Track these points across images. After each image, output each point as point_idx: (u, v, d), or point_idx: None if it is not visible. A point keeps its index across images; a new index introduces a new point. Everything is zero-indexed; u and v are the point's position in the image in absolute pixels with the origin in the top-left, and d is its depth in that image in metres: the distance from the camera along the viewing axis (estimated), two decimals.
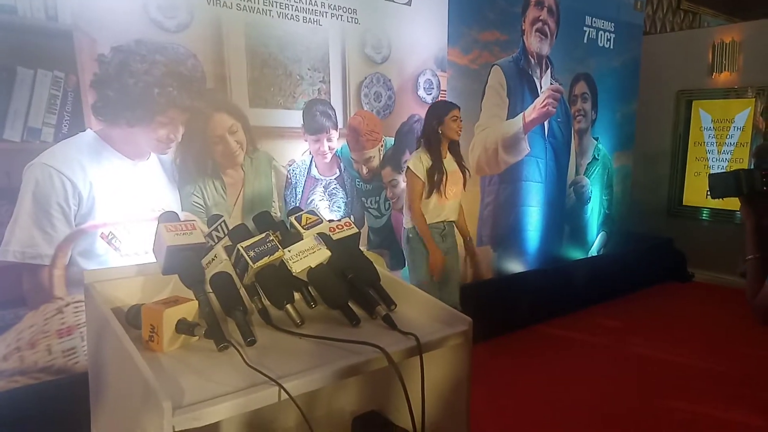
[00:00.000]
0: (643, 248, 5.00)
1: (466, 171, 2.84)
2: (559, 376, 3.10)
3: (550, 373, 3.13)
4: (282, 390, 0.68)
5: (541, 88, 3.92)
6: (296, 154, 2.79)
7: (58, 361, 2.09)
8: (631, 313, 4.23)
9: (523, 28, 3.75)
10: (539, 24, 3.83)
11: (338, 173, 2.98)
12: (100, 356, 0.87)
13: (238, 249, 0.90)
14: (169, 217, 0.97)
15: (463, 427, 0.92)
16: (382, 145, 3.11)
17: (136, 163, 2.24)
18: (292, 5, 2.62)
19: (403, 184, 3.21)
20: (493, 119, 3.64)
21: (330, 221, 1.05)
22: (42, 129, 2.01)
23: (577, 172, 4.39)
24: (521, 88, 3.80)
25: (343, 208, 3.01)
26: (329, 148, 2.90)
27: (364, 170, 3.07)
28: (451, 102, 2.80)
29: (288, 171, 2.76)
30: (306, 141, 2.80)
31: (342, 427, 1.10)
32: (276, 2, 2.57)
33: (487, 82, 3.59)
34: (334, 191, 2.99)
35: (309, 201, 2.87)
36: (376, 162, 3.09)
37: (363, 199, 3.09)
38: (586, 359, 3.34)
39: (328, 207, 2.96)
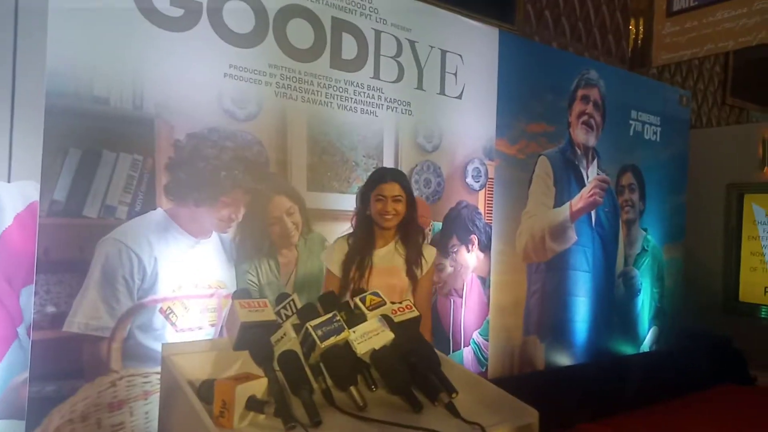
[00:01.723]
0: (699, 346, 4.76)
1: (417, 270, 2.11)
2: None
3: None
4: None
5: (587, 178, 3.96)
6: None
7: None
8: (689, 417, 3.96)
9: (570, 120, 3.86)
10: (585, 117, 3.92)
11: None
12: (171, 428, 0.89)
13: (307, 328, 0.94)
14: (242, 293, 1.02)
15: None
16: (430, 230, 3.17)
17: (199, 241, 2.35)
18: (352, 98, 2.80)
19: (449, 269, 3.23)
20: (540, 207, 3.67)
21: (392, 303, 1.09)
22: (117, 207, 2.16)
23: (625, 263, 4.31)
24: (567, 178, 3.85)
25: None
26: None
27: None
28: (389, 170, 2.24)
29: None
30: None
31: None
32: (337, 95, 2.75)
33: (534, 171, 3.65)
34: None
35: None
36: None
37: None
38: None
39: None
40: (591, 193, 3.95)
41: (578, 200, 3.88)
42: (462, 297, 3.28)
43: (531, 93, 3.58)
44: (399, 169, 2.29)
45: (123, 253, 2.15)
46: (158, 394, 2.18)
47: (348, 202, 2.83)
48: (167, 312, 2.23)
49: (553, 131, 3.75)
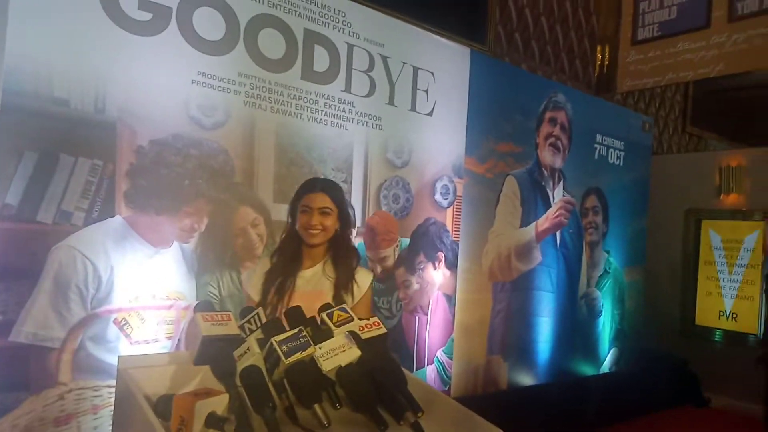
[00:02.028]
0: (657, 368, 4.86)
1: (347, 295, 1.82)
2: None
3: None
4: None
5: (553, 199, 4.02)
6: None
7: None
8: None
9: (537, 141, 3.92)
10: (552, 139, 4.00)
11: None
12: None
13: (272, 343, 0.90)
14: (204, 306, 0.98)
15: None
16: (397, 246, 3.15)
17: (159, 250, 2.27)
18: (322, 110, 2.77)
19: (416, 286, 3.21)
20: (506, 226, 3.70)
21: (360, 319, 1.06)
22: (74, 213, 2.07)
23: (588, 284, 4.37)
24: (534, 198, 3.90)
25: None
26: None
27: (379, 269, 3.08)
28: (321, 180, 2.00)
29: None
30: None
31: None
32: (307, 107, 2.72)
33: (501, 191, 3.69)
34: None
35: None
36: (390, 262, 3.11)
37: (375, 298, 3.08)
38: None
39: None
40: (557, 214, 4.01)
41: (544, 221, 3.93)
42: (427, 314, 3.26)
43: (500, 113, 3.63)
44: (334, 181, 2.00)
45: (77, 261, 2.06)
46: (109, 408, 2.09)
47: None
48: (122, 323, 2.14)
49: (521, 152, 3.81)
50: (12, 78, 1.93)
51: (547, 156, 3.98)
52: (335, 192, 1.91)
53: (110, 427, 2.09)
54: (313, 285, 1.84)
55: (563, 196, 4.10)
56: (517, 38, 4.48)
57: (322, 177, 2.03)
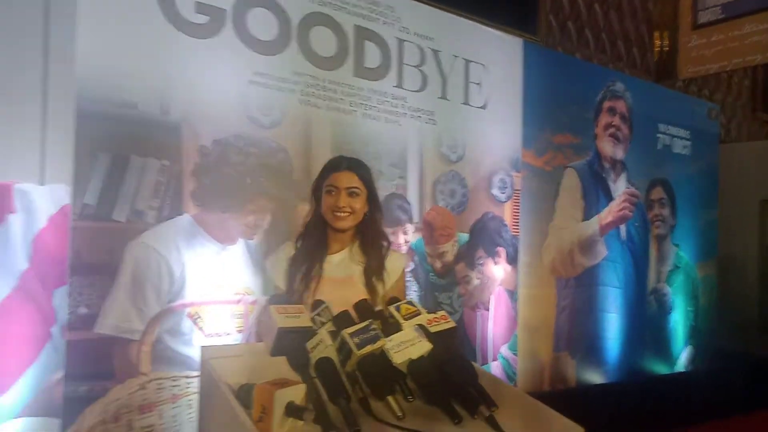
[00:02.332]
0: (736, 367, 4.58)
1: (379, 282, 1.72)
2: None
3: None
4: None
5: (615, 191, 3.89)
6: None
7: None
8: None
9: (596, 132, 3.81)
10: (612, 129, 3.88)
11: (413, 266, 2.99)
12: (211, 430, 0.87)
13: (343, 335, 0.90)
14: (278, 299, 1.00)
15: None
16: (455, 241, 3.13)
17: (225, 247, 2.35)
18: (375, 107, 2.80)
19: (476, 282, 3.17)
20: (568, 220, 3.61)
21: (427, 313, 1.05)
22: (146, 211, 2.17)
23: (657, 280, 4.19)
24: (596, 191, 3.79)
25: (416, 301, 2.99)
26: (405, 241, 2.94)
27: (438, 264, 3.07)
28: (347, 158, 1.81)
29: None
30: None
31: None
32: (361, 104, 2.75)
33: (561, 184, 3.60)
34: (407, 284, 2.98)
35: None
36: (449, 257, 3.10)
37: (436, 293, 3.06)
38: None
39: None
40: (620, 206, 3.88)
41: (607, 214, 3.81)
42: (489, 310, 3.21)
43: (556, 104, 3.55)
44: (361, 160, 1.82)
45: (152, 258, 2.16)
46: (186, 397, 2.17)
47: None
48: (195, 317, 2.23)
49: (579, 143, 3.71)
50: (84, 85, 2.04)
51: (607, 147, 3.86)
52: (363, 171, 1.76)
53: (187, 415, 2.18)
54: (341, 271, 1.72)
55: (626, 188, 3.97)
56: (570, 27, 4.38)
57: (347, 156, 1.82)
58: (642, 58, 4.85)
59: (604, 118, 3.86)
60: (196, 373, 2.22)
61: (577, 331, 3.61)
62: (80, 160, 2.03)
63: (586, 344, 3.67)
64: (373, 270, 1.72)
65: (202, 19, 2.29)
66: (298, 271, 1.69)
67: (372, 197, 1.77)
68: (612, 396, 3.63)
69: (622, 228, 3.92)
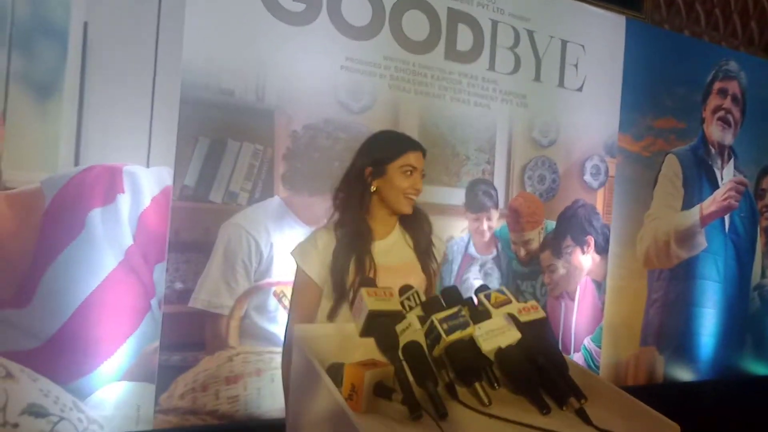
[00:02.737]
0: None
1: (432, 263, 1.59)
2: None
3: None
4: None
5: (722, 179, 3.61)
6: (455, 231, 2.82)
7: (223, 407, 2.23)
8: None
9: (704, 116, 3.53)
10: (722, 112, 3.58)
11: (495, 253, 2.94)
12: (303, 406, 0.90)
13: (433, 320, 0.91)
14: (367, 281, 1.02)
15: None
16: (542, 228, 3.04)
17: (311, 229, 2.41)
18: (465, 90, 2.74)
19: (562, 271, 3.08)
20: (665, 209, 3.40)
21: (518, 302, 1.03)
22: (239, 193, 2.27)
23: (763, 275, 3.88)
24: (699, 179, 3.53)
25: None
26: (488, 227, 2.89)
27: (522, 252, 3.00)
28: (407, 136, 1.62)
29: (446, 247, 2.79)
30: (466, 219, 2.83)
31: None
32: (450, 87, 2.70)
33: (660, 171, 3.38)
34: (489, 271, 2.94)
35: (464, 279, 2.85)
36: (535, 245, 3.01)
37: (518, 281, 3.00)
38: None
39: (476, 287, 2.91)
40: (725, 195, 3.60)
41: (710, 203, 3.55)
42: (574, 300, 3.12)
43: (660, 86, 3.32)
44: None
45: (243, 238, 2.26)
46: (270, 372, 2.28)
47: (457, 196, 2.79)
48: (280, 295, 2.32)
49: (683, 128, 3.46)
50: (188, 73, 2.15)
51: (715, 132, 3.58)
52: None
53: (270, 388, 2.30)
54: (395, 257, 1.54)
55: (734, 176, 3.67)
56: (679, 2, 4.03)
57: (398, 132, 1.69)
58: (761, 34, 4.39)
59: (714, 101, 3.57)
60: (279, 349, 2.33)
61: (667, 326, 3.43)
62: (182, 144, 2.14)
63: (677, 340, 3.48)
64: (424, 250, 1.59)
65: (299, 6, 2.33)
66: (347, 263, 1.47)
67: None
68: (703, 395, 3.45)
69: (726, 219, 3.65)
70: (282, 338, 2.30)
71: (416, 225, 1.59)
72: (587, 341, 3.16)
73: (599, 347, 3.19)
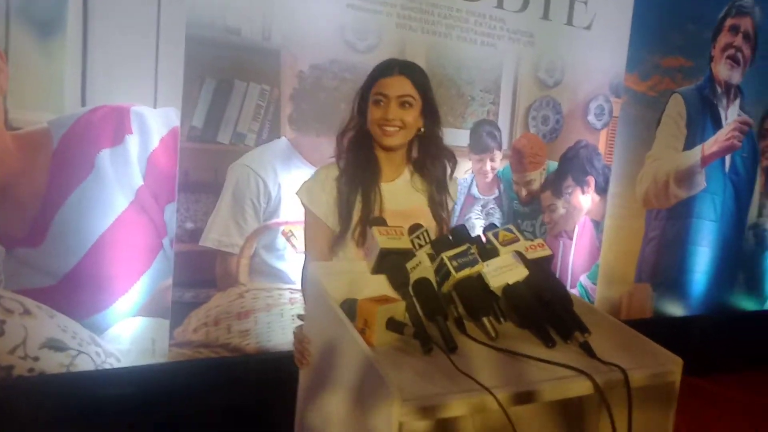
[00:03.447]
0: None
1: (443, 212, 1.48)
2: None
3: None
4: (495, 400, 0.72)
5: (726, 119, 3.59)
6: (459, 171, 2.83)
7: (235, 341, 2.34)
8: None
9: (713, 54, 3.47)
10: (732, 50, 3.52)
11: (497, 194, 2.98)
12: (315, 340, 0.96)
13: (442, 258, 0.96)
14: (378, 221, 1.06)
15: None
16: (544, 169, 3.06)
17: None
18: (472, 29, 2.69)
19: (562, 211, 3.13)
20: (667, 150, 3.41)
21: (525, 240, 1.08)
22: (247, 134, 2.28)
23: (759, 214, 3.94)
24: (703, 119, 3.52)
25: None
26: (491, 168, 2.92)
27: (524, 192, 3.04)
28: (400, 61, 1.46)
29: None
30: (470, 160, 2.85)
31: None
32: (457, 26, 2.65)
33: (664, 111, 3.37)
34: (491, 211, 2.99)
35: (466, 218, 2.91)
36: (536, 185, 3.05)
37: (519, 221, 3.06)
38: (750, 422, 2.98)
39: (484, 226, 2.97)
40: (728, 135, 3.60)
41: (713, 143, 3.55)
42: (572, 239, 3.18)
43: (670, 23, 3.25)
44: (416, 64, 1.49)
45: (251, 178, 2.29)
46: (279, 307, 2.37)
47: (462, 138, 2.80)
48: (289, 235, 2.38)
49: (691, 66, 3.41)
50: (193, 11, 2.11)
51: (723, 70, 3.53)
52: (419, 76, 1.43)
53: (279, 323, 2.40)
54: (403, 202, 1.44)
55: (738, 115, 3.65)
56: None
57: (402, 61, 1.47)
58: None
59: (724, 38, 3.50)
60: (288, 286, 2.41)
61: (662, 263, 3.52)
62: (188, 84, 2.13)
63: (671, 277, 3.58)
64: (437, 198, 1.46)
65: None
66: (352, 203, 1.39)
67: (429, 109, 1.44)
68: (693, 329, 3.58)
69: (728, 158, 3.66)
70: (291, 276, 2.39)
71: (435, 168, 1.46)
72: (583, 278, 3.25)
73: (595, 284, 3.29)
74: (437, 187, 1.47)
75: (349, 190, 1.40)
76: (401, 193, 1.45)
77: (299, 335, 1.10)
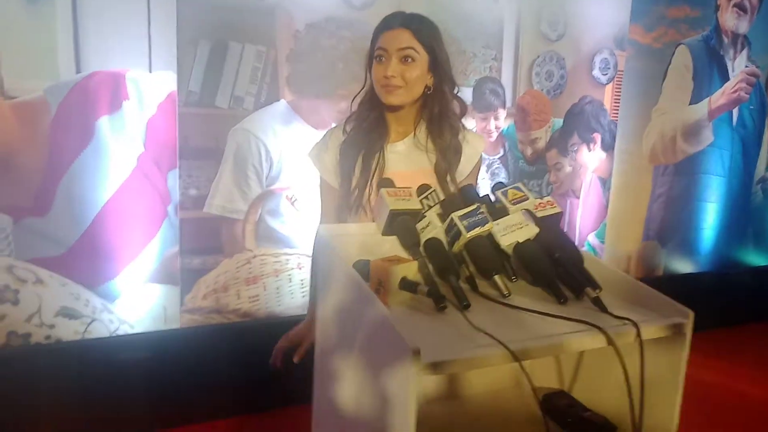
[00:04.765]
0: None
1: (449, 172, 1.39)
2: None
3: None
4: (511, 354, 0.71)
5: (733, 70, 3.52)
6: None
7: (244, 306, 2.35)
8: None
9: (719, 3, 3.37)
10: None
11: (502, 153, 2.94)
12: (330, 301, 0.95)
13: (452, 218, 0.94)
14: (386, 182, 1.04)
15: (672, 424, 0.88)
16: (549, 126, 3.02)
17: (319, 132, 2.40)
18: None
19: (568, 169, 3.10)
20: (673, 104, 3.35)
21: (535, 198, 1.06)
22: (245, 98, 2.24)
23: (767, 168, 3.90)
24: (710, 71, 3.44)
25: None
26: (495, 127, 2.87)
27: (529, 151, 3.00)
28: (401, 13, 1.38)
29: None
30: (473, 119, 2.80)
31: (530, 402, 1.10)
32: None
33: (670, 63, 3.29)
34: (496, 171, 2.96)
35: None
36: (541, 143, 3.01)
37: (525, 180, 3.03)
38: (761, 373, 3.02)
39: (490, 186, 2.94)
40: (735, 87, 3.53)
41: (719, 96, 3.49)
42: (579, 198, 3.16)
43: None
44: (423, 16, 1.40)
45: (252, 143, 2.26)
46: (286, 272, 2.37)
47: (465, 95, 2.73)
48: (292, 199, 2.36)
49: (697, 16, 3.32)
50: None
51: (729, 19, 3.43)
52: (424, 27, 1.35)
53: (288, 288, 2.40)
54: (408, 163, 1.38)
55: (746, 66, 3.57)
56: None
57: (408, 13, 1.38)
58: None
59: None
60: (294, 251, 2.41)
61: (670, 219, 3.50)
62: (183, 47, 2.08)
63: (679, 233, 3.56)
64: (446, 160, 1.38)
65: None
66: (353, 164, 1.36)
67: (437, 64, 1.35)
68: (703, 285, 3.58)
69: (735, 111, 3.60)
70: (295, 242, 2.39)
71: (442, 127, 1.38)
72: (591, 237, 3.24)
73: (603, 242, 3.28)
74: (441, 150, 1.38)
75: (351, 155, 1.36)
76: (406, 155, 1.39)
77: (293, 337, 1.20)
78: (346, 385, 0.89)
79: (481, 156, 1.48)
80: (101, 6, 1.95)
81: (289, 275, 2.38)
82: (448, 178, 1.38)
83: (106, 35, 1.98)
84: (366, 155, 1.35)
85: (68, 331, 2.05)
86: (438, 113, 1.38)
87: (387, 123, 1.39)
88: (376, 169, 1.35)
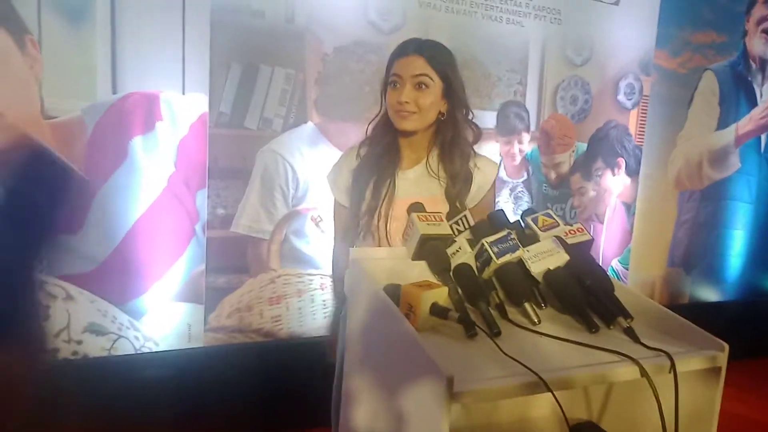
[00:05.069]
0: None
1: (460, 200, 1.39)
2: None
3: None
4: (544, 384, 0.71)
5: (761, 96, 3.49)
6: (486, 155, 2.81)
7: (267, 326, 2.36)
8: None
9: (746, 28, 3.36)
10: (766, 24, 3.40)
11: (526, 177, 2.94)
12: (359, 325, 0.96)
13: (483, 243, 0.95)
14: (417, 207, 1.06)
15: None
16: (573, 151, 3.01)
17: None
18: (497, 6, 2.64)
19: (592, 193, 3.08)
20: (699, 130, 3.33)
21: (565, 225, 1.06)
22: (273, 119, 2.28)
23: None
24: (736, 96, 3.42)
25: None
26: (519, 150, 2.88)
27: (553, 175, 2.99)
28: (416, 40, 1.41)
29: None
30: (497, 142, 2.81)
31: None
32: (482, 4, 2.61)
33: (696, 89, 3.28)
34: (519, 194, 2.96)
35: (495, 202, 2.88)
36: (565, 168, 3.00)
37: (548, 204, 3.02)
38: None
39: (513, 210, 2.94)
40: (763, 114, 3.49)
41: (747, 122, 3.45)
42: (603, 223, 3.14)
43: None
44: (439, 43, 1.42)
45: (279, 164, 2.30)
46: (310, 293, 2.38)
47: (489, 119, 2.76)
48: (317, 220, 2.38)
49: (723, 42, 3.31)
50: None
51: (757, 45, 3.42)
52: (438, 54, 1.36)
53: (310, 308, 2.41)
54: (419, 190, 1.37)
55: None
56: None
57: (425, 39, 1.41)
58: None
59: (759, 11, 3.38)
60: (318, 272, 2.42)
61: (696, 246, 3.45)
62: (215, 70, 2.14)
63: (705, 260, 3.51)
64: (456, 187, 1.38)
65: None
66: (365, 187, 1.37)
67: (451, 90, 1.36)
68: (730, 314, 3.51)
69: (763, 137, 3.56)
70: (319, 262, 2.40)
71: (453, 154, 1.38)
72: (615, 262, 3.21)
73: (627, 268, 3.24)
74: (451, 176, 1.38)
75: (363, 179, 1.38)
76: (418, 182, 1.40)
77: None
78: (373, 409, 0.89)
79: (494, 183, 1.47)
80: (138, 27, 2.01)
81: (312, 296, 2.40)
82: (458, 205, 1.37)
83: (142, 56, 2.04)
84: (377, 181, 1.37)
85: (95, 347, 2.08)
86: (450, 139, 1.39)
87: (400, 148, 1.41)
88: (385, 196, 1.36)
